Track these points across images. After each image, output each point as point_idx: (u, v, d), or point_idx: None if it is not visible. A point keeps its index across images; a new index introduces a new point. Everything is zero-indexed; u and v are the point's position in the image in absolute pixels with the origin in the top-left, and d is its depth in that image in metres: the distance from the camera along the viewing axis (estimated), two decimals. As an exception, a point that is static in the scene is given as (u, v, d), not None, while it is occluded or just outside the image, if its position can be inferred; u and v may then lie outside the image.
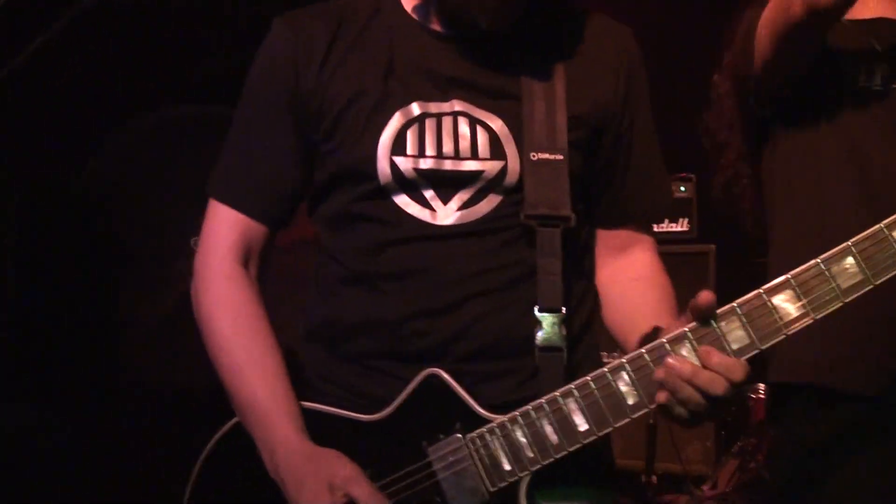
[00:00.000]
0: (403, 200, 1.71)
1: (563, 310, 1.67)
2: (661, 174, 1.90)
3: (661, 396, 1.49)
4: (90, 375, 3.54)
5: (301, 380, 1.80)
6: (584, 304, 1.79)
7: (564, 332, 1.67)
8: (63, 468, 3.19)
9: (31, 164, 3.67)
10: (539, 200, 1.69)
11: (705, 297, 1.49)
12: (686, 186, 4.03)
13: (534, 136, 1.71)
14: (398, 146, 1.69)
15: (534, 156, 1.70)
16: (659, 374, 1.49)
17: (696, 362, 1.48)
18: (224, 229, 1.82)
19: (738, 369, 1.46)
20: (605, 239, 1.86)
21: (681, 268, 3.66)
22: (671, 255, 3.75)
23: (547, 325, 1.66)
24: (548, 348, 1.65)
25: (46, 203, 3.72)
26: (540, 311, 1.67)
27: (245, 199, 1.81)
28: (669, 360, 1.48)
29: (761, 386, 4.19)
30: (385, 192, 1.71)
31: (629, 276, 1.79)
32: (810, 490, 1.92)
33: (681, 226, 3.92)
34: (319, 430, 1.71)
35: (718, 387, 1.46)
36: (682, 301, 3.79)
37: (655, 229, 4.13)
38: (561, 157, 1.70)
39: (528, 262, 1.69)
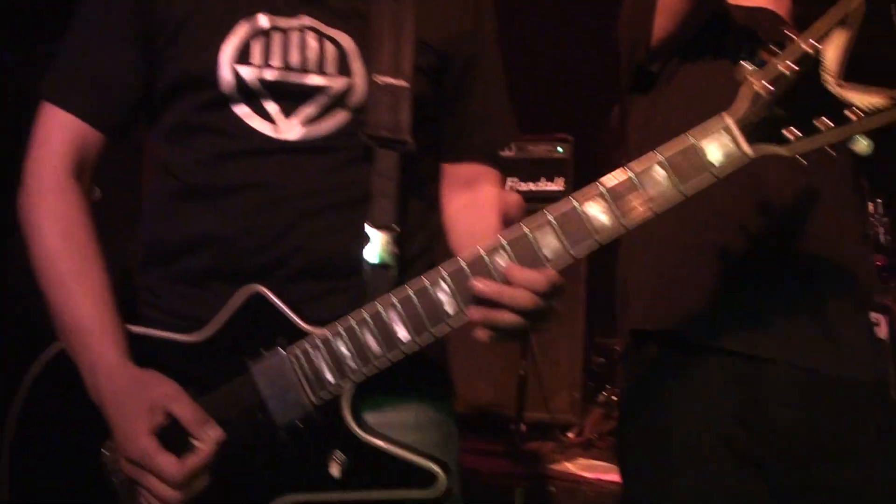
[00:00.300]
0: (245, 112, 1.68)
1: (397, 229, 1.67)
2: (505, 109, 1.92)
3: (474, 314, 1.50)
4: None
5: (131, 305, 1.77)
6: (422, 229, 1.80)
7: (396, 250, 1.68)
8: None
9: None
10: (380, 123, 1.69)
11: (513, 198, 1.54)
12: (563, 147, 4.12)
13: (380, 59, 1.71)
14: (242, 55, 1.67)
15: (379, 79, 1.69)
16: (475, 290, 1.50)
17: (517, 266, 1.49)
18: (57, 136, 1.74)
19: (541, 281, 1.48)
20: (452, 172, 1.89)
21: (555, 225, 3.78)
22: (545, 212, 3.85)
23: (378, 242, 1.67)
24: (377, 266, 1.67)
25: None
26: (371, 227, 1.67)
27: (81, 102, 1.74)
28: (476, 284, 1.50)
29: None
30: (226, 102, 1.67)
31: (475, 207, 1.79)
32: (654, 446, 2.01)
33: (557, 185, 4.03)
34: (143, 353, 1.70)
35: (526, 301, 1.48)
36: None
37: (532, 187, 4.22)
38: (405, 83, 1.70)
39: (366, 183, 1.69)
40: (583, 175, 3.81)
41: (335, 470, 1.61)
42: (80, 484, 1.76)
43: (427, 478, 1.59)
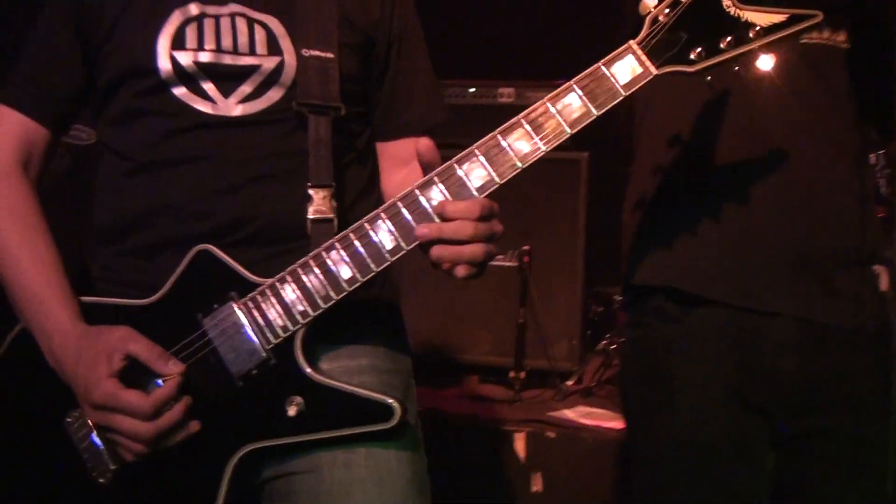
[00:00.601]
0: (184, 92, 1.77)
1: (333, 184, 1.78)
2: (434, 90, 2.04)
3: (433, 258, 1.59)
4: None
5: (85, 284, 1.84)
6: (358, 183, 1.91)
7: (335, 204, 1.77)
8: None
9: None
10: (310, 92, 1.79)
11: (423, 143, 1.62)
12: None
13: (307, 35, 1.81)
14: (177, 41, 1.76)
15: (306, 52, 1.80)
16: (420, 238, 1.60)
17: (448, 200, 1.60)
18: (3, 129, 1.85)
19: (473, 207, 1.59)
20: (388, 151, 2.00)
21: (554, 174, 3.77)
22: (544, 161, 3.82)
23: (318, 198, 1.76)
24: (318, 220, 1.75)
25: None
26: (312, 188, 1.76)
27: (25, 99, 1.85)
28: (420, 231, 1.59)
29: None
30: (166, 86, 1.77)
31: (412, 182, 1.84)
32: (657, 389, 2.04)
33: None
34: (97, 321, 1.75)
35: (466, 229, 1.58)
36: (554, 205, 3.90)
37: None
38: (332, 55, 1.81)
39: (302, 149, 1.78)
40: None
41: (293, 413, 1.66)
42: (45, 457, 1.80)
43: (382, 410, 1.64)
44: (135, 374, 1.68)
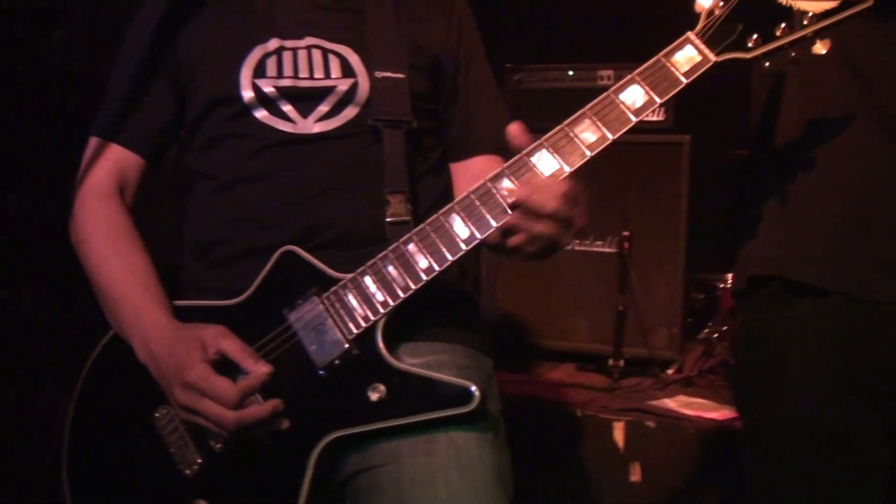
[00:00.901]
0: (264, 115, 1.91)
1: (408, 190, 1.90)
2: (501, 108, 2.19)
3: (514, 241, 1.68)
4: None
5: (175, 295, 1.93)
6: (432, 189, 2.04)
7: (410, 207, 1.89)
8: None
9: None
10: (384, 108, 1.93)
11: (514, 127, 1.70)
12: None
13: (379, 59, 1.97)
14: (259, 71, 1.92)
15: (379, 74, 1.95)
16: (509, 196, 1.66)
17: (538, 174, 1.68)
18: (99, 160, 1.98)
19: (558, 185, 1.65)
20: (462, 170, 2.12)
21: (654, 158, 3.70)
22: (645, 144, 3.78)
23: (394, 202, 1.88)
24: (395, 223, 1.86)
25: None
26: (388, 193, 1.88)
27: (119, 131, 1.99)
28: (509, 191, 1.66)
29: (729, 276, 4.28)
30: (248, 111, 1.91)
31: None
32: (771, 376, 2.01)
33: (656, 115, 3.88)
34: (189, 321, 1.84)
35: (550, 203, 1.63)
36: (655, 189, 3.84)
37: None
38: (402, 75, 1.97)
39: (377, 159, 1.91)
40: (684, 105, 3.69)
41: (375, 399, 1.71)
42: (133, 451, 1.89)
43: (462, 394, 1.69)
44: (226, 371, 1.73)
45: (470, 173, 2.09)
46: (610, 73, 3.90)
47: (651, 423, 3.27)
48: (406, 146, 1.94)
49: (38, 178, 3.33)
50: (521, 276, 3.77)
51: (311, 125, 1.91)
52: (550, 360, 3.95)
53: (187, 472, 1.80)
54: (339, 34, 1.99)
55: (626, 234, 3.66)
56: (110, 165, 1.98)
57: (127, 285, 1.87)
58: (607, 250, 3.77)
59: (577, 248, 3.78)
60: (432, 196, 2.01)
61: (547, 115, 4.10)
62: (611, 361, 3.68)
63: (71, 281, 2.10)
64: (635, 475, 3.27)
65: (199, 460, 1.79)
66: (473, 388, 1.68)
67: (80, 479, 1.92)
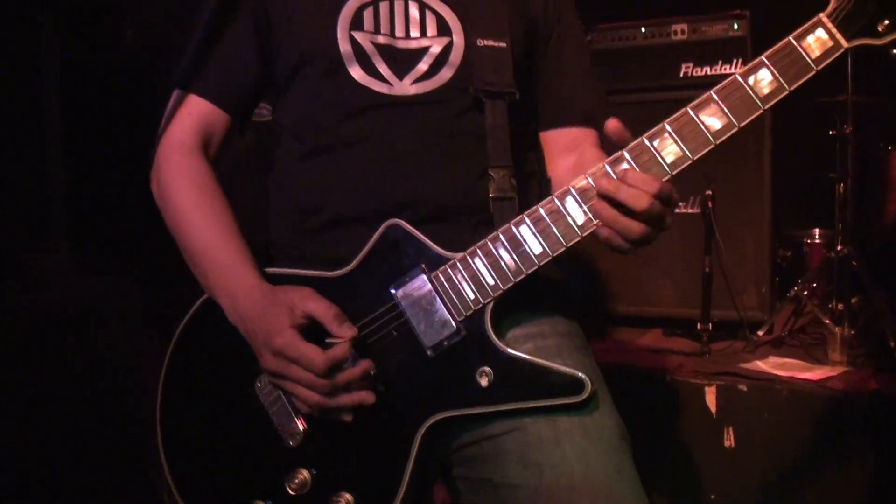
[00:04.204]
0: (361, 75, 1.84)
1: (513, 166, 1.84)
2: (597, 82, 2.07)
3: (603, 233, 1.63)
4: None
5: (265, 261, 1.89)
6: (533, 165, 1.99)
7: (514, 182, 1.83)
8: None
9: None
10: (486, 78, 1.85)
11: (612, 124, 1.60)
12: (739, 24, 3.76)
13: (481, 25, 1.89)
14: (356, 22, 1.84)
15: (480, 42, 1.87)
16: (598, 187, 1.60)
17: (633, 169, 1.60)
18: (184, 115, 1.92)
19: (653, 183, 1.57)
20: (553, 139, 2.03)
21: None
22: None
23: (498, 178, 1.82)
24: (500, 199, 1.81)
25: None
26: (492, 168, 1.82)
27: (205, 85, 1.92)
28: (598, 182, 1.60)
29: (816, 231, 4.16)
30: (344, 66, 1.83)
31: (581, 167, 1.81)
32: None
33: (734, 67, 3.72)
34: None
35: (642, 201, 1.56)
36: (737, 146, 3.73)
37: (708, 71, 4.02)
38: (504, 44, 1.89)
39: (478, 130, 1.85)
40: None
41: (485, 384, 1.68)
42: (237, 421, 1.86)
43: (574, 384, 1.67)
44: (316, 337, 1.71)
45: (562, 144, 2.02)
46: (684, 26, 3.79)
47: (743, 387, 3.20)
48: (508, 119, 1.87)
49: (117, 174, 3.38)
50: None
51: (408, 87, 1.84)
52: (637, 326, 3.90)
53: (291, 442, 1.79)
54: None
55: (709, 193, 3.56)
56: (196, 119, 1.92)
57: (212, 243, 1.83)
58: (691, 211, 3.69)
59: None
60: (529, 170, 1.96)
61: (622, 77, 4.02)
62: (699, 325, 3.59)
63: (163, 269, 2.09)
64: (729, 440, 3.21)
65: (302, 429, 1.78)
66: (584, 377, 1.66)
67: (178, 458, 1.92)
